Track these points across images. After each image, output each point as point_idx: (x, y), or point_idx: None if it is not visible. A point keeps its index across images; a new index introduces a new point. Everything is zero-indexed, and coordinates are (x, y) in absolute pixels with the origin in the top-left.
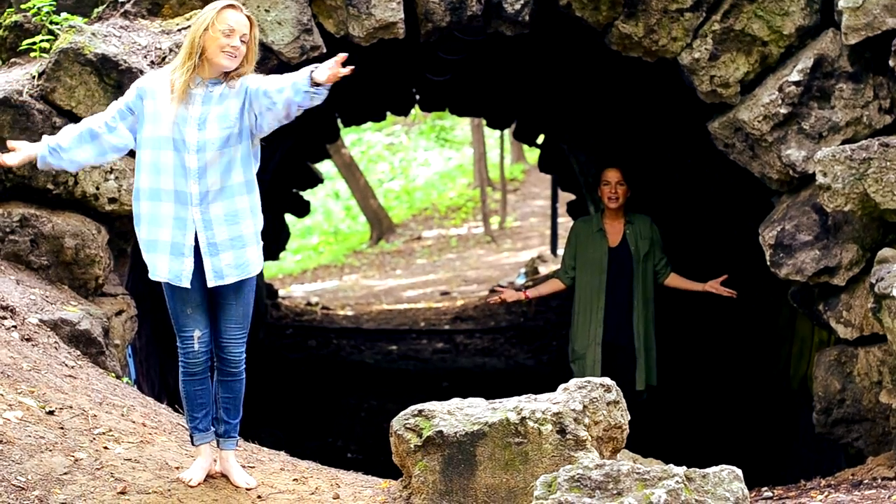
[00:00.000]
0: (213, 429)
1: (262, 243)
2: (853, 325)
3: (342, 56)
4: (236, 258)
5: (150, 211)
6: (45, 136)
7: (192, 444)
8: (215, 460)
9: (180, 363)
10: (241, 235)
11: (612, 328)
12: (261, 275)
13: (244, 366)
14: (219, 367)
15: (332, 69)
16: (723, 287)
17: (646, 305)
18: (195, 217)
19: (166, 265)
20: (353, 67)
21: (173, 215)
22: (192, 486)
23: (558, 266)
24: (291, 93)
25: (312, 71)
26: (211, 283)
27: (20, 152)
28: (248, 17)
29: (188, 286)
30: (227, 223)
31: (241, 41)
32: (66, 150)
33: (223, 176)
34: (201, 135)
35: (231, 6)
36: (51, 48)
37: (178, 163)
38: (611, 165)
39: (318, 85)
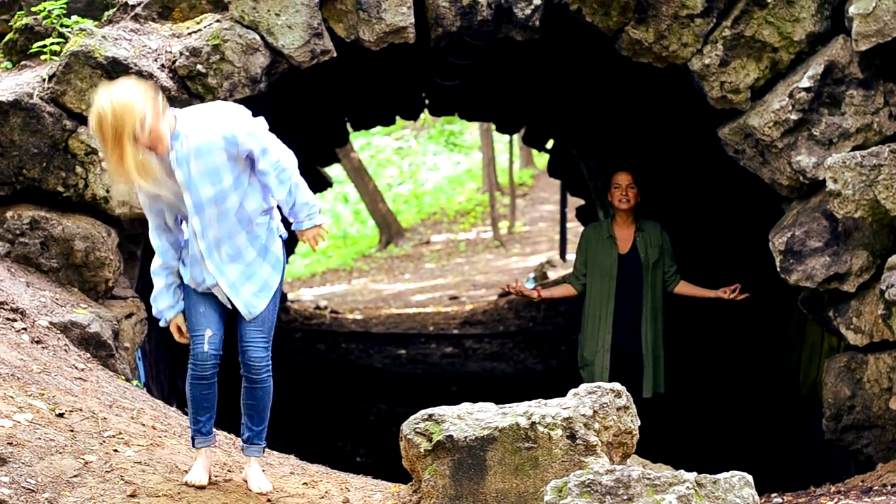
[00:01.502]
0: (214, 433)
1: (275, 252)
2: (863, 332)
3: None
4: (256, 284)
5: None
6: (168, 296)
7: (192, 447)
8: (225, 464)
9: (189, 365)
10: (251, 262)
11: (621, 335)
12: None
13: (268, 373)
14: (244, 375)
15: (309, 242)
16: (735, 292)
17: (655, 312)
18: (210, 269)
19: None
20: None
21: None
22: (200, 488)
23: (567, 271)
24: (284, 203)
25: (303, 222)
26: (249, 318)
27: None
28: (136, 102)
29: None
30: (231, 261)
31: (142, 128)
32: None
33: (224, 227)
34: (195, 196)
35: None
36: (61, 51)
37: (189, 228)
38: (621, 169)
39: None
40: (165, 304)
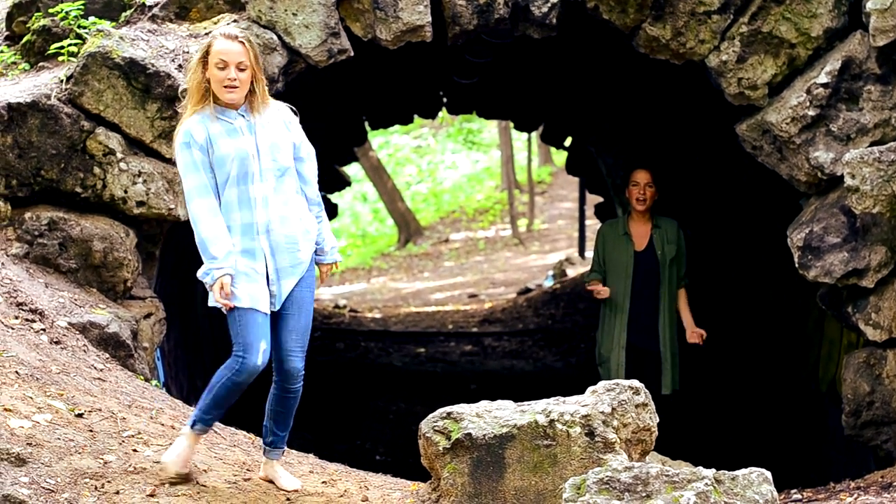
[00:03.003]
0: (210, 428)
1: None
2: (882, 327)
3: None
4: (304, 269)
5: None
6: (223, 257)
7: (190, 427)
8: (258, 466)
9: (233, 371)
10: (304, 251)
11: (638, 332)
12: None
13: (301, 382)
14: (278, 382)
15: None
16: (696, 335)
17: (671, 310)
18: (263, 246)
19: (247, 294)
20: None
21: (242, 248)
22: (180, 477)
23: (586, 268)
24: (314, 227)
25: (328, 253)
26: (274, 308)
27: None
28: (242, 42)
29: (267, 311)
30: (288, 250)
31: (240, 69)
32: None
33: (284, 202)
34: (263, 162)
35: (222, 35)
36: (79, 52)
37: (245, 196)
38: (640, 167)
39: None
40: (226, 248)
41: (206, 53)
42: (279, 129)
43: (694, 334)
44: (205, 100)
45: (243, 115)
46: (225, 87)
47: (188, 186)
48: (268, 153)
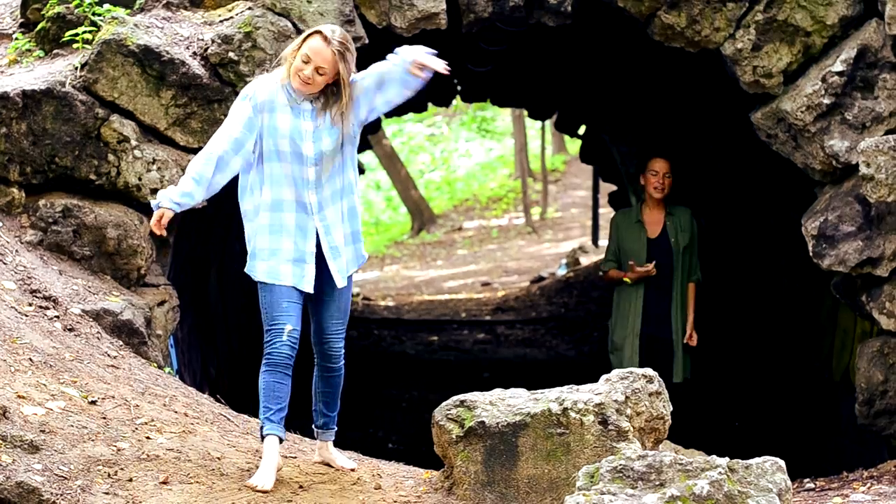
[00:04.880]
0: (280, 426)
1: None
2: None
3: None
4: (354, 252)
5: (271, 221)
6: (180, 180)
7: (261, 435)
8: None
9: (265, 356)
10: (355, 231)
11: (651, 320)
12: None
13: (343, 361)
14: (320, 364)
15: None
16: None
17: (684, 297)
18: (316, 224)
19: (290, 272)
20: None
21: (295, 224)
22: (265, 492)
23: (599, 256)
24: (392, 68)
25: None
26: (340, 285)
27: (167, 212)
28: (335, 52)
29: (311, 290)
30: (342, 224)
31: (319, 73)
32: (207, 178)
33: (336, 182)
34: (317, 147)
35: (322, 36)
36: (93, 39)
37: (298, 175)
38: (659, 155)
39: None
40: (187, 186)
41: (304, 41)
42: (337, 126)
43: (689, 338)
44: (288, 76)
45: (311, 103)
46: (299, 77)
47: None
48: (327, 136)
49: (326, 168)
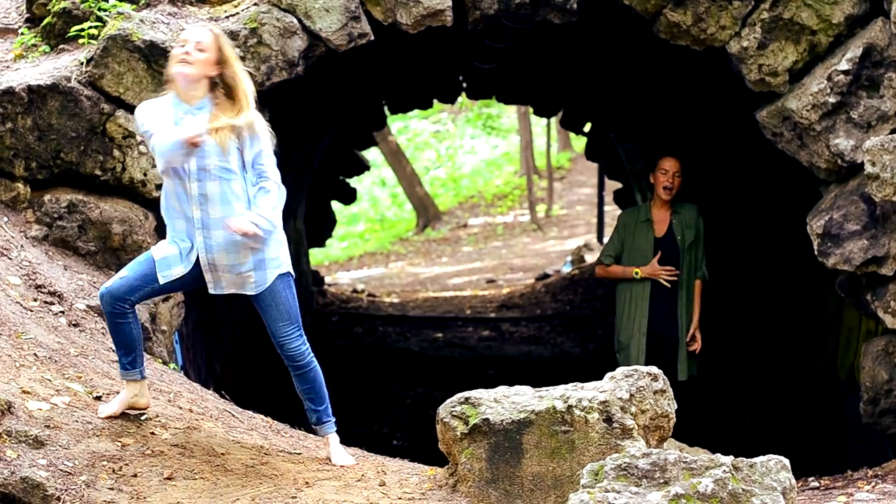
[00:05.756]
0: (139, 369)
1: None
2: None
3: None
4: (235, 280)
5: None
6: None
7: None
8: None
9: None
10: (239, 263)
11: (658, 318)
12: (307, 262)
13: (309, 357)
14: (288, 365)
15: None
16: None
17: (691, 295)
18: (198, 241)
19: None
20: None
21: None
22: (102, 418)
23: None
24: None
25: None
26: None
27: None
28: (213, 31)
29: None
30: (226, 250)
31: (199, 50)
32: None
33: (223, 205)
34: (200, 163)
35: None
36: (99, 35)
37: (181, 189)
38: (670, 154)
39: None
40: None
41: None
42: (231, 139)
43: (690, 339)
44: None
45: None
46: (179, 62)
47: None
48: (213, 153)
49: (212, 189)
